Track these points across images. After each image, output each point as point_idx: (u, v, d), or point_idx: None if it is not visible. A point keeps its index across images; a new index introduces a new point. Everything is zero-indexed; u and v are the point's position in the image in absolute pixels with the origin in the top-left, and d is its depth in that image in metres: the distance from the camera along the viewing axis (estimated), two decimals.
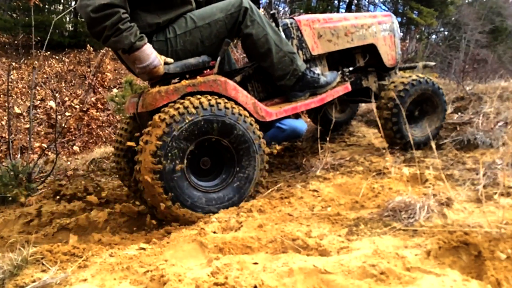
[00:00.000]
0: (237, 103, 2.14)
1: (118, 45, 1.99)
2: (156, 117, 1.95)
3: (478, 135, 2.50)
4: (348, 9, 19.62)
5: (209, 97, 2.03)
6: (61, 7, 18.19)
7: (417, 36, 19.41)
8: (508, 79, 4.05)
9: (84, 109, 4.50)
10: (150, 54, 2.03)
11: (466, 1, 21.12)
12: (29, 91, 9.92)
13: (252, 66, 2.54)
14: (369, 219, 1.70)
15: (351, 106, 3.58)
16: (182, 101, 1.99)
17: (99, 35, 1.98)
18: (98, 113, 4.95)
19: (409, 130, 2.64)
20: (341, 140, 3.08)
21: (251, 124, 2.10)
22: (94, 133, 5.68)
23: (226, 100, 2.06)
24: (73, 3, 18.72)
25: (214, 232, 1.74)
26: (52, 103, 4.32)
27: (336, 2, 20.23)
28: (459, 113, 3.05)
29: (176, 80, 2.30)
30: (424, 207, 1.64)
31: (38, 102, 9.23)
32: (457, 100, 3.37)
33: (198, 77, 2.16)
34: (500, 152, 2.23)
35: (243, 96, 2.20)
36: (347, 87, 2.65)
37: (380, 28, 2.85)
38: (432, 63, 3.38)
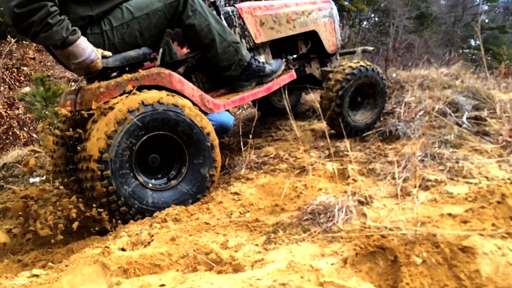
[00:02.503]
0: (183, 95, 2.05)
1: (49, 41, 1.84)
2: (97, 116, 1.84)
3: (399, 126, 2.50)
4: None
5: (150, 92, 1.92)
6: None
7: (350, 23, 19.90)
8: (429, 66, 4.16)
9: None
10: (86, 48, 1.89)
11: None
12: None
13: (195, 57, 2.44)
14: (288, 224, 1.62)
15: (294, 94, 3.58)
16: (122, 98, 1.87)
17: (27, 31, 1.81)
18: (12, 112, 4.52)
19: (351, 115, 2.64)
20: (268, 135, 2.99)
21: (197, 115, 2.00)
22: (10, 133, 5.23)
23: (167, 93, 1.96)
24: None
25: (123, 249, 1.58)
26: None
27: None
28: None
29: (115, 74, 2.19)
30: (343, 209, 1.58)
31: None
32: None
33: (140, 70, 2.04)
34: (419, 143, 2.24)
35: (189, 88, 2.11)
36: (292, 74, 2.64)
37: (320, 15, 2.86)
38: (371, 48, 3.41)
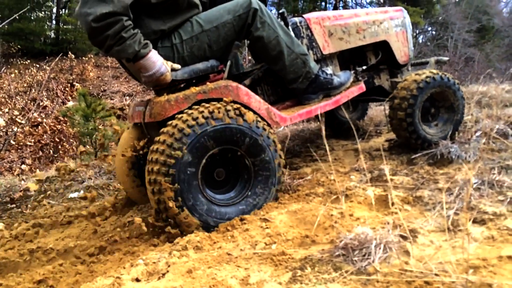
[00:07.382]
0: (249, 109, 2.00)
1: (121, 54, 1.89)
2: (165, 130, 1.83)
3: (452, 148, 2.24)
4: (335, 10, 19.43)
5: (219, 105, 1.89)
6: (41, 14, 17.76)
7: None
8: (490, 82, 3.82)
9: (36, 124, 4.20)
10: (156, 62, 1.92)
11: (453, 0, 21.02)
12: (9, 101, 9.59)
13: (262, 69, 2.40)
14: (318, 259, 1.43)
15: (361, 107, 3.47)
16: (190, 111, 1.86)
17: (101, 44, 1.87)
18: (60, 126, 4.64)
19: (425, 128, 2.46)
20: (307, 154, 2.82)
21: (264, 129, 1.97)
22: (60, 147, 5.38)
23: (236, 106, 1.93)
24: (54, 9, 18.33)
25: (137, 279, 1.46)
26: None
27: (322, 3, 19.97)
28: None
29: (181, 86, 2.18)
30: (381, 245, 1.38)
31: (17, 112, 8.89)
32: None
33: (207, 83, 2.01)
34: (475, 168, 1.98)
35: (256, 101, 2.07)
36: (361, 87, 2.52)
37: (392, 24, 2.74)
38: (446, 58, 3.20)
